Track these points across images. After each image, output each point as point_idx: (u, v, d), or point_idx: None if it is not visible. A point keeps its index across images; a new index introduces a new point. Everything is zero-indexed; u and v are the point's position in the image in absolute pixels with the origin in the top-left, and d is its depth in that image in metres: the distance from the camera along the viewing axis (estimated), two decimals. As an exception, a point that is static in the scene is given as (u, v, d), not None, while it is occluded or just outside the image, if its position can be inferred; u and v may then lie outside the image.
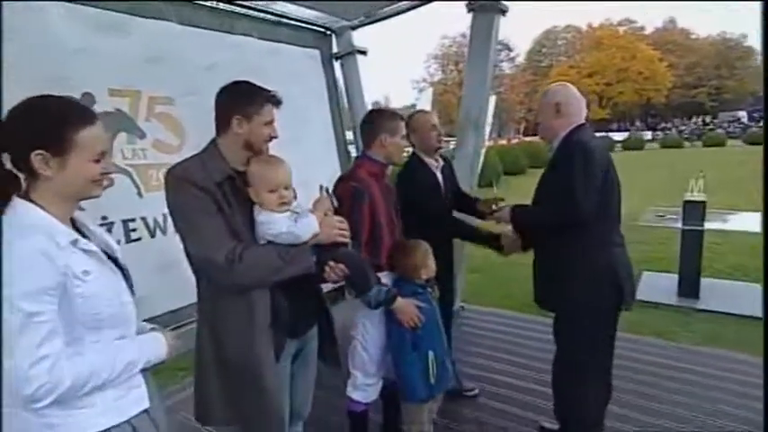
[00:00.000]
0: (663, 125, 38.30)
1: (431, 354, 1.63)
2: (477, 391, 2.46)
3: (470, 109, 2.96)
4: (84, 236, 1.02)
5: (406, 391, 1.67)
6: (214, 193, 1.23)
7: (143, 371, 1.06)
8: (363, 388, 1.81)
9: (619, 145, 25.71)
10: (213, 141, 1.34)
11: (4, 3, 1.71)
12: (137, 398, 1.03)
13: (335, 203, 1.43)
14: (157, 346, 1.10)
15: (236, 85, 1.33)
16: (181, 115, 2.49)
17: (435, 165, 2.18)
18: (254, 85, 1.33)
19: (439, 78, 49.97)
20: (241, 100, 1.30)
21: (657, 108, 43.84)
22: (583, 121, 1.73)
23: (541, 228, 1.76)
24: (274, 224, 1.25)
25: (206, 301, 1.34)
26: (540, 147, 19.23)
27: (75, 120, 0.94)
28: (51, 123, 0.92)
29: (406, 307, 1.63)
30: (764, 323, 1.47)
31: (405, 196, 1.97)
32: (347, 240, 1.38)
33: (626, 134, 31.05)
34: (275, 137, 1.36)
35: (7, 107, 0.94)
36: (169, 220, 2.33)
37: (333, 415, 2.13)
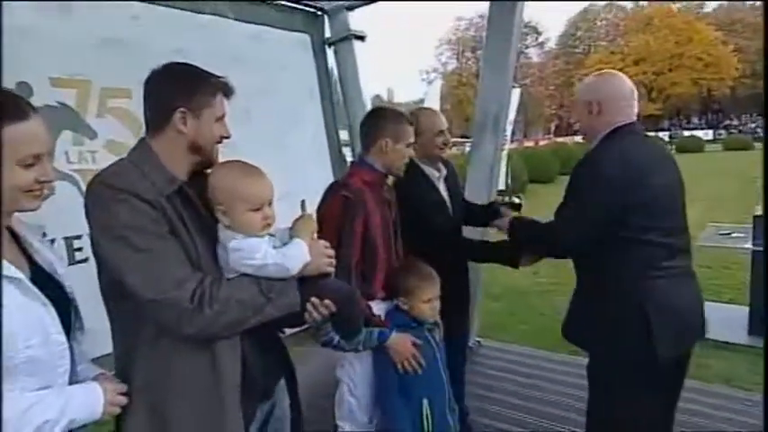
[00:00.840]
0: (726, 122, 38.40)
1: (425, 402, 1.61)
2: None
3: (489, 105, 2.99)
4: (25, 253, 1.01)
5: None
6: (166, 210, 1.13)
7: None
8: (353, 441, 1.78)
9: (671, 146, 25.80)
10: (143, 143, 1.23)
11: (3, 3, 1.77)
12: None
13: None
14: (91, 400, 1.04)
15: (177, 67, 1.23)
16: (139, 110, 2.49)
17: (437, 175, 2.19)
18: (199, 68, 1.24)
19: (453, 68, 50.66)
20: (186, 88, 1.19)
21: (720, 102, 43.92)
22: (631, 119, 1.67)
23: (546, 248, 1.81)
24: (256, 251, 1.16)
25: (138, 359, 1.16)
26: (573, 149, 19.42)
27: None
28: None
29: (401, 344, 1.61)
30: (765, 325, 1.49)
31: (403, 213, 1.96)
32: (332, 270, 1.30)
33: (680, 133, 31.23)
34: (227, 137, 1.28)
35: None
36: None
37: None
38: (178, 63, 1.25)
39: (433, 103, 9.64)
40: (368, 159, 1.84)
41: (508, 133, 10.22)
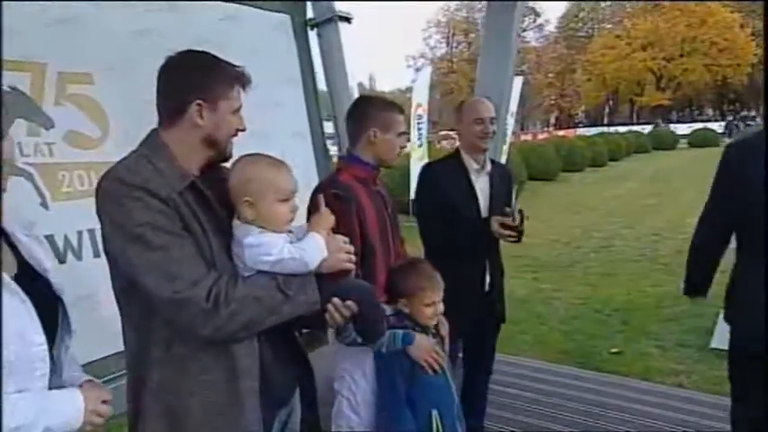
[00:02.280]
0: (744, 113, 39.19)
1: (434, 413, 1.67)
2: None
3: (488, 94, 3.08)
4: (11, 246, 1.06)
5: None
6: (179, 207, 1.19)
7: None
8: (352, 461, 1.82)
9: (683, 140, 26.47)
10: (155, 135, 1.29)
11: (3, 2, 1.78)
12: None
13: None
14: (70, 408, 1.08)
15: (193, 56, 1.28)
16: (103, 98, 2.55)
17: (476, 167, 2.34)
18: (216, 57, 1.30)
19: (442, 53, 50.94)
20: (203, 78, 1.24)
21: (736, 91, 44.75)
22: None
23: None
24: (273, 246, 1.21)
25: (153, 362, 1.23)
26: (576, 144, 19.74)
27: None
28: None
29: (424, 340, 1.67)
30: (765, 328, 1.63)
31: (425, 200, 2.09)
32: (353, 267, 1.36)
33: (692, 125, 31.93)
34: (243, 129, 1.35)
35: None
36: (85, 240, 2.48)
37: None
38: (195, 51, 1.30)
39: (422, 92, 9.71)
40: (356, 153, 1.90)
41: (509, 126, 10.36)
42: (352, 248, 1.37)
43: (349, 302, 1.30)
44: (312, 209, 1.46)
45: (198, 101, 1.24)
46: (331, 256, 1.29)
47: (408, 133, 2.29)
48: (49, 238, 2.35)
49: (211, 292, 1.15)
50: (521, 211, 2.18)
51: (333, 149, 4.07)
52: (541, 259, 6.88)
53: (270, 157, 1.32)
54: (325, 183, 1.88)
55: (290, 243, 1.26)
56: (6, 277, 1.04)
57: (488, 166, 2.42)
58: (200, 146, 1.28)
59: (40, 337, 1.07)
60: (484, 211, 2.36)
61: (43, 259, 1.18)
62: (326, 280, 1.29)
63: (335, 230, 1.56)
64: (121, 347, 1.33)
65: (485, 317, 2.41)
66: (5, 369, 0.99)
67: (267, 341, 1.29)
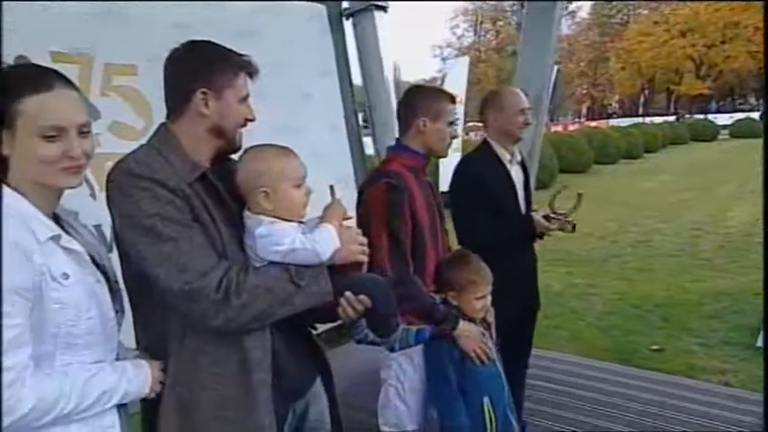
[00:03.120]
0: (788, 103, 37.97)
1: (486, 400, 1.69)
2: None
3: (529, 82, 3.06)
4: (68, 234, 1.12)
5: None
6: (189, 198, 1.20)
7: (119, 407, 1.16)
8: (398, 451, 1.86)
9: (725, 131, 25.69)
10: (164, 128, 1.31)
11: (3, 3, 1.88)
12: None
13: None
14: (141, 377, 1.19)
15: (197, 46, 1.29)
16: (147, 89, 2.63)
17: (509, 158, 2.35)
18: (221, 46, 1.31)
19: (470, 42, 50.38)
20: (207, 66, 1.25)
21: (781, 79, 43.39)
22: None
23: None
24: (284, 236, 1.23)
25: (169, 358, 1.25)
26: (610, 135, 19.35)
27: (21, 85, 1.03)
28: (1, 91, 1.03)
29: (472, 331, 1.69)
30: (765, 327, 1.57)
31: (468, 193, 2.12)
32: (366, 259, 1.36)
33: (734, 115, 30.96)
34: (252, 119, 1.35)
35: None
36: None
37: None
38: (199, 41, 1.31)
39: (459, 83, 9.62)
40: (405, 142, 1.93)
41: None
42: (365, 240, 1.35)
43: (362, 296, 1.30)
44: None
45: (202, 89, 1.25)
46: (344, 248, 1.28)
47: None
48: (97, 228, 2.44)
49: (222, 283, 1.16)
50: (579, 195, 2.19)
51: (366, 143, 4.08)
52: (574, 253, 6.81)
53: (275, 145, 1.33)
54: (376, 173, 1.90)
55: (301, 234, 1.27)
56: (85, 255, 1.12)
57: (518, 156, 2.42)
58: (207, 136, 1.29)
59: (112, 313, 1.17)
60: (521, 202, 2.38)
61: (97, 246, 1.25)
62: (339, 272, 1.30)
63: (386, 221, 1.60)
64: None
65: (522, 308, 2.42)
66: (88, 339, 1.09)
67: (279, 333, 1.30)
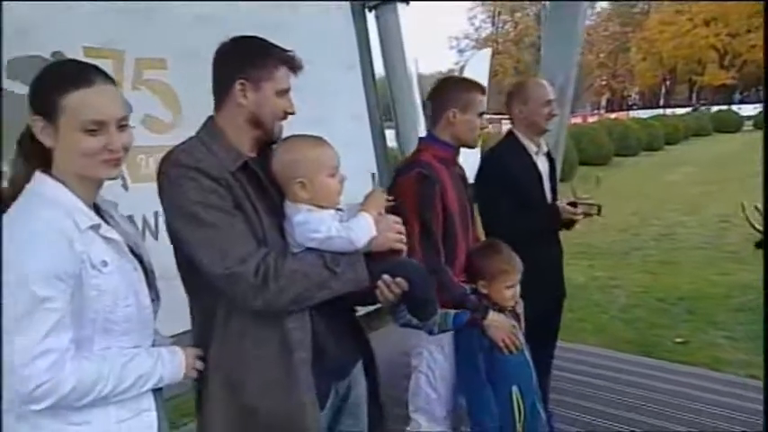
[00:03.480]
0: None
1: (515, 389, 1.71)
2: None
3: (554, 74, 3.04)
4: (107, 224, 1.17)
5: None
6: (232, 187, 1.26)
7: (154, 392, 1.21)
8: (428, 438, 1.89)
9: (749, 122, 25.15)
10: (211, 120, 1.37)
11: (3, 3, 1.94)
12: (146, 425, 1.18)
13: (386, 198, 1.46)
14: (175, 363, 1.24)
15: (241, 40, 1.36)
16: (176, 83, 2.68)
17: (535, 150, 2.35)
18: (265, 41, 1.36)
19: (487, 34, 49.93)
20: (246, 59, 1.31)
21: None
22: None
23: None
24: (321, 224, 1.28)
25: (215, 338, 1.32)
26: (630, 126, 19.08)
27: (64, 81, 1.08)
28: (44, 87, 1.10)
29: (502, 320, 1.72)
30: (764, 323, 1.54)
31: (494, 185, 2.14)
32: (404, 247, 1.40)
33: (759, 106, 30.26)
34: (292, 113, 1.39)
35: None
36: (161, 221, 2.61)
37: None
38: (244, 35, 1.37)
39: (480, 75, 9.54)
40: (436, 133, 1.94)
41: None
42: (403, 229, 1.39)
43: (399, 279, 1.34)
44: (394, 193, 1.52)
45: (241, 80, 1.30)
46: (380, 236, 1.33)
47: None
48: (129, 218, 2.50)
49: (260, 268, 1.22)
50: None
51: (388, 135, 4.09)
52: (596, 246, 6.76)
53: (309, 136, 1.38)
54: (408, 163, 1.92)
55: (339, 221, 1.31)
56: (123, 244, 1.17)
57: (544, 147, 2.42)
58: (246, 126, 1.34)
59: (148, 301, 1.21)
60: (547, 193, 2.38)
61: (134, 235, 1.30)
62: (377, 258, 1.34)
63: (418, 210, 1.61)
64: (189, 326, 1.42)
65: (549, 299, 2.43)
66: (125, 326, 1.14)
67: (319, 314, 1.35)
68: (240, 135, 1.35)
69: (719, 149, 18.50)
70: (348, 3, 3.61)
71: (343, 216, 1.35)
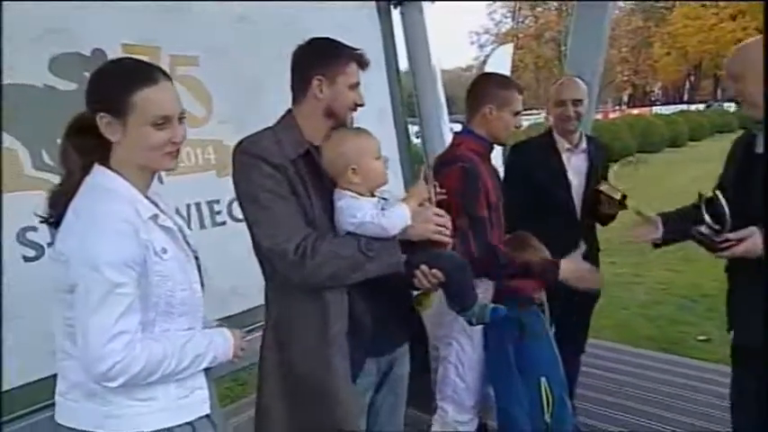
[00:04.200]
0: None
1: (543, 380, 1.75)
2: None
3: (581, 69, 3.03)
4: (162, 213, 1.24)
5: (506, 429, 1.79)
6: (288, 172, 1.40)
7: (205, 371, 1.29)
8: (455, 426, 1.94)
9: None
10: (288, 112, 1.52)
11: (3, 3, 2.02)
12: (200, 400, 1.27)
13: (436, 191, 1.54)
14: (225, 343, 1.32)
15: (317, 41, 1.51)
16: (207, 79, 2.74)
17: (567, 146, 2.37)
18: (337, 41, 1.51)
19: (507, 29, 49.35)
20: (322, 57, 1.46)
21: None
22: None
23: None
24: (358, 210, 1.40)
25: (272, 302, 1.53)
26: (653, 122, 18.77)
27: (132, 79, 1.15)
28: (111, 84, 1.17)
29: (572, 266, 1.76)
30: (764, 318, 1.60)
31: (515, 180, 2.18)
32: (448, 240, 1.48)
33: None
34: (362, 104, 1.53)
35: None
36: (193, 212, 2.70)
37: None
38: (319, 37, 1.52)
39: (502, 70, 9.46)
40: (472, 128, 1.97)
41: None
42: (444, 221, 1.48)
43: (435, 271, 1.46)
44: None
45: (318, 76, 1.44)
46: (418, 226, 1.43)
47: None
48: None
49: (300, 247, 1.36)
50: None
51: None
52: (615, 242, 6.70)
53: (352, 128, 1.52)
54: (448, 158, 1.94)
55: (379, 209, 1.42)
56: (178, 232, 1.25)
57: (583, 144, 2.42)
58: (322, 117, 1.48)
59: (199, 285, 1.29)
60: (578, 190, 2.37)
61: (182, 224, 1.37)
62: (420, 248, 1.46)
63: (465, 203, 1.69)
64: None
65: (582, 294, 2.42)
66: (182, 309, 1.22)
67: (358, 293, 1.47)
68: (314, 125, 1.48)
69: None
70: (373, 3, 3.64)
71: (385, 205, 1.45)
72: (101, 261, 1.06)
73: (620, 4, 48.27)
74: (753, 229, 1.64)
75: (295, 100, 1.52)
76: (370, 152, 1.46)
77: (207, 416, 1.27)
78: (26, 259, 2.15)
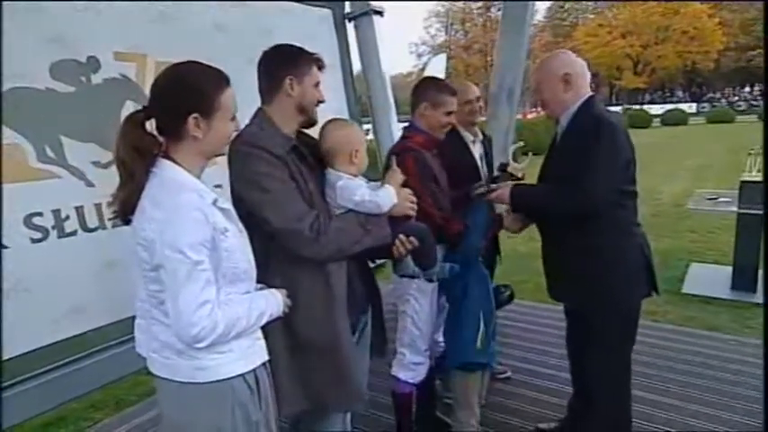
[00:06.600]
0: (710, 95, 38.72)
1: (480, 314, 1.92)
2: (509, 374, 2.83)
3: (504, 76, 3.23)
4: None
5: (459, 355, 1.94)
6: (288, 163, 1.43)
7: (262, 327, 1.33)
8: (411, 367, 2.07)
9: (657, 119, 26.19)
10: (261, 111, 1.51)
11: (3, 3, 1.95)
12: (261, 348, 1.32)
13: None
14: (276, 301, 1.36)
15: (282, 46, 1.52)
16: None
17: (471, 139, 2.44)
18: (298, 46, 1.54)
19: (441, 41, 49.83)
20: (291, 59, 1.49)
21: (703, 75, 43.99)
22: (590, 92, 1.81)
23: (546, 214, 1.84)
24: (357, 189, 1.48)
25: (275, 274, 1.46)
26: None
27: (218, 82, 1.21)
28: (202, 88, 1.19)
29: (499, 195, 1.90)
30: (764, 316, 1.66)
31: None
32: (414, 213, 1.61)
33: (665, 106, 31.52)
34: (323, 101, 1.56)
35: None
36: None
37: (379, 396, 2.38)
38: (282, 44, 1.53)
39: (438, 76, 9.65)
40: (415, 123, 2.06)
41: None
42: (415, 199, 1.62)
43: (411, 238, 1.57)
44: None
45: (290, 76, 1.47)
46: (399, 204, 1.55)
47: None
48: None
49: (313, 226, 1.40)
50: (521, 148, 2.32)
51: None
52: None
53: (344, 119, 1.61)
54: (401, 148, 1.98)
55: (374, 190, 1.52)
56: (233, 211, 1.27)
57: (480, 135, 2.48)
58: (294, 113, 1.51)
59: (252, 257, 1.32)
60: (482, 171, 2.43)
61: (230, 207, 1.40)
62: (393, 221, 1.54)
63: (422, 186, 1.80)
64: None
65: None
66: (243, 276, 1.27)
67: (352, 262, 1.56)
68: (288, 120, 1.51)
69: (634, 141, 19.14)
70: (331, 13, 3.72)
71: (372, 186, 1.54)
72: (183, 244, 1.09)
73: (534, 22, 49.79)
74: (506, 186, 1.93)
75: (267, 99, 1.53)
76: (363, 140, 1.57)
77: (264, 363, 1.34)
78: (33, 241, 2.13)
